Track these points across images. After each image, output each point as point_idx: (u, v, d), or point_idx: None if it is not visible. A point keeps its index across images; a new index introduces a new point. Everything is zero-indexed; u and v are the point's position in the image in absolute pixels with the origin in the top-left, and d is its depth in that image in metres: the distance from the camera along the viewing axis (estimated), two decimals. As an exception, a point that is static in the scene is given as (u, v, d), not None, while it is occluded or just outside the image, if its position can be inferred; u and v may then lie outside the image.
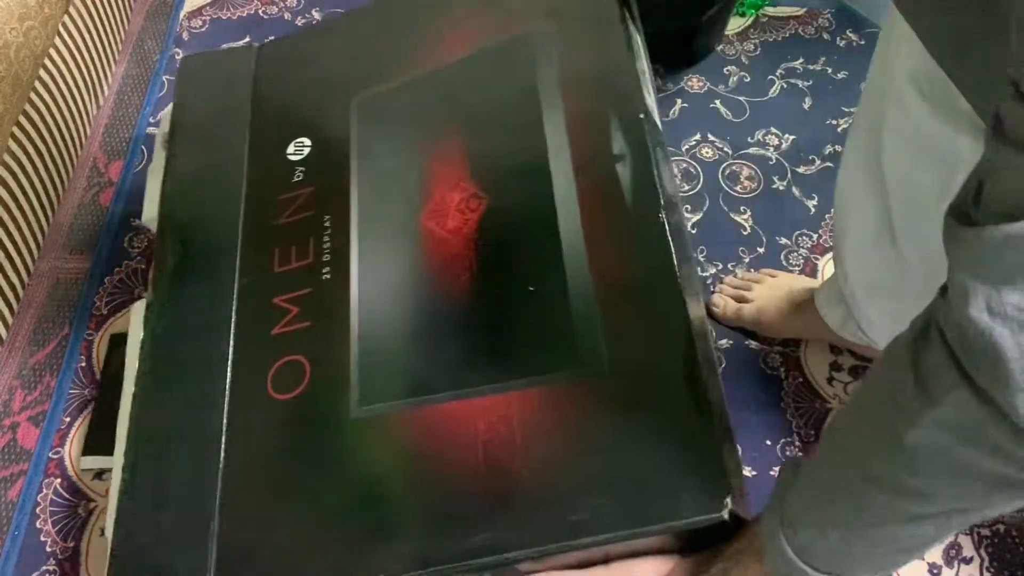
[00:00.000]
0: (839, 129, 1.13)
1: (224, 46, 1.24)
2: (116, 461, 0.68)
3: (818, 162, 1.10)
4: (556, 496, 0.55)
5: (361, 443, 0.62)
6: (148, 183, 0.89)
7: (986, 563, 0.81)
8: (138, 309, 0.81)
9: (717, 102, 1.16)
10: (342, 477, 0.61)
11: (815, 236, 1.03)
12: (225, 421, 0.65)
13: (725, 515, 0.52)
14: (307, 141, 0.78)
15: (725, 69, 1.20)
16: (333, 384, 0.64)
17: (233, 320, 0.70)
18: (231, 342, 0.69)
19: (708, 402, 0.56)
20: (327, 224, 0.72)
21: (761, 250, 1.02)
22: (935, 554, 0.81)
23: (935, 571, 0.81)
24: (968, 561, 0.81)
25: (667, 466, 0.55)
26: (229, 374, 0.67)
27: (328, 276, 0.69)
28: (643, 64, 0.73)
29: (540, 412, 0.59)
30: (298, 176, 0.76)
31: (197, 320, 0.71)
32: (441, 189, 0.71)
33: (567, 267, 0.63)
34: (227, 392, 0.66)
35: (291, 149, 0.78)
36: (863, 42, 1.22)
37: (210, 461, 0.63)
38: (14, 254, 0.94)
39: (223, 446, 0.64)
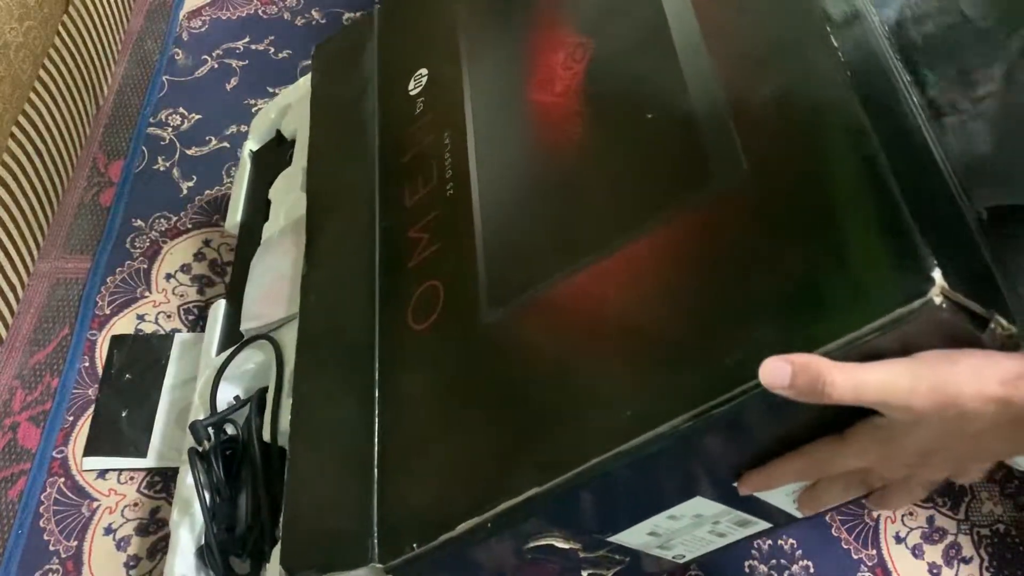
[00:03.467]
0: None
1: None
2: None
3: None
4: (712, 342, 0.47)
5: (499, 349, 0.58)
6: (233, 191, 0.91)
7: (986, 563, 0.81)
8: (215, 307, 0.85)
9: None
10: (487, 391, 0.57)
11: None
12: (377, 367, 0.63)
13: (936, 297, 0.41)
14: (424, 71, 0.77)
15: None
16: (463, 297, 0.61)
17: (377, 268, 0.68)
18: (376, 290, 0.67)
19: (883, 179, 0.45)
20: (447, 141, 0.70)
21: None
22: (935, 554, 0.82)
23: (935, 571, 0.81)
24: (968, 561, 0.82)
25: (839, 266, 0.45)
26: (377, 322, 0.65)
27: (452, 191, 0.67)
28: None
29: (680, 248, 0.52)
30: (419, 107, 0.75)
31: (348, 282, 0.70)
32: (544, 56, 0.67)
33: (687, 79, 0.55)
34: (376, 342, 0.64)
35: (411, 84, 0.77)
36: None
37: (366, 410, 0.61)
38: (14, 254, 0.94)
39: (376, 392, 0.62)
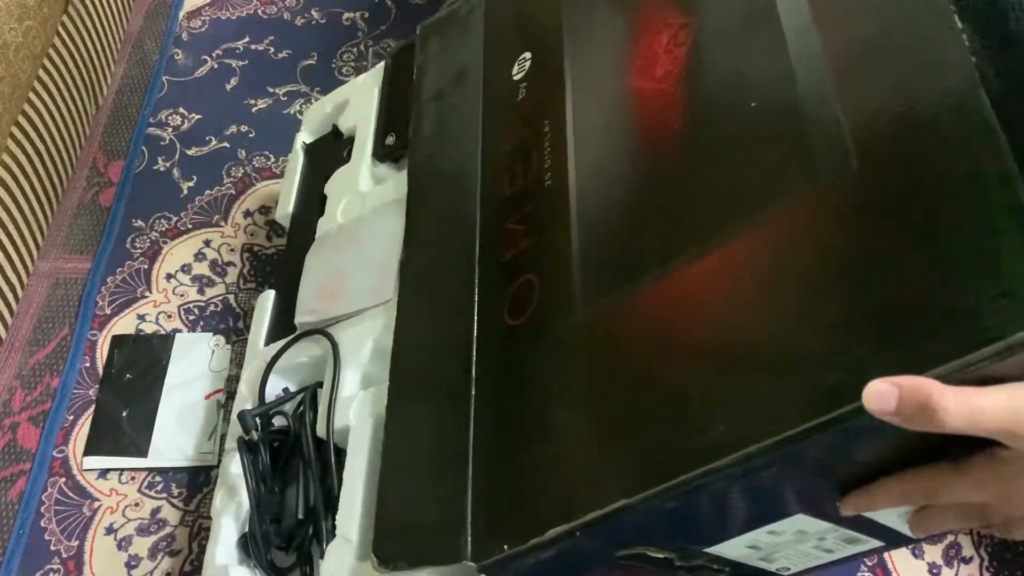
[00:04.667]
0: None
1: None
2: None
3: None
4: (812, 357, 0.44)
5: (592, 349, 0.55)
6: (284, 182, 0.91)
7: (986, 563, 0.82)
8: (263, 297, 0.84)
9: None
10: (580, 392, 0.54)
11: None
12: (474, 361, 0.61)
13: None
14: (527, 55, 0.75)
15: None
16: (557, 293, 0.58)
17: (476, 261, 0.67)
18: (475, 285, 0.66)
19: (1012, 186, 0.40)
20: (547, 129, 0.67)
21: None
22: (935, 554, 0.82)
23: (935, 571, 0.81)
24: (968, 561, 0.82)
25: (956, 280, 0.40)
26: (476, 317, 0.64)
27: (549, 182, 0.64)
28: None
29: (781, 251, 0.48)
30: (521, 93, 0.73)
31: (446, 271, 0.69)
32: (647, 39, 0.63)
33: (795, 65, 0.51)
34: (474, 335, 0.63)
35: (515, 69, 0.75)
36: None
37: (462, 404, 0.60)
38: (13, 254, 0.94)
39: (472, 387, 0.60)
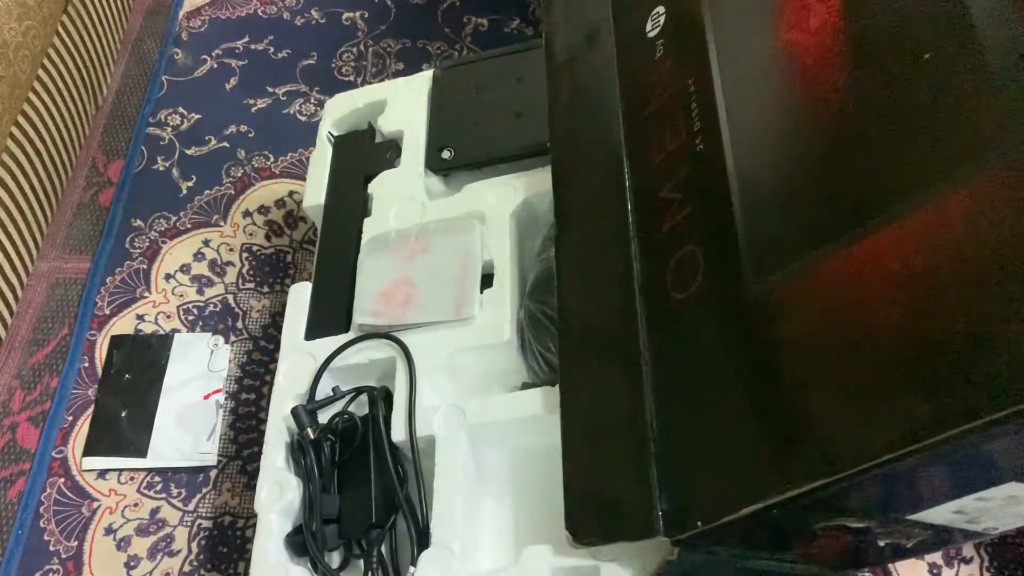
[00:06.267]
0: None
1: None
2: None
3: None
4: (1003, 335, 0.41)
5: (767, 325, 0.53)
6: (310, 173, 0.91)
7: (986, 563, 0.81)
8: (297, 290, 0.83)
9: None
10: (760, 368, 0.53)
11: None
12: (642, 337, 0.60)
13: None
14: (660, 8, 0.71)
15: None
16: (724, 265, 0.56)
17: (632, 231, 0.65)
18: (634, 255, 0.64)
19: None
20: (692, 89, 0.64)
21: None
22: (935, 554, 0.82)
23: (935, 571, 0.81)
24: (968, 561, 0.82)
25: None
26: (636, 288, 0.62)
27: (701, 146, 0.61)
28: None
29: (957, 223, 0.44)
30: (659, 52, 0.69)
31: (601, 244, 0.67)
32: None
33: (973, 9, 0.46)
34: (637, 307, 0.62)
35: (649, 26, 0.72)
36: None
37: (635, 382, 0.59)
38: (13, 254, 0.94)
39: (644, 365, 0.60)
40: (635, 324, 0.62)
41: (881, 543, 0.57)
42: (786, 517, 0.50)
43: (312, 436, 0.73)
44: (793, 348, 0.51)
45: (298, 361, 0.79)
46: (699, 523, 0.52)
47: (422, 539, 0.67)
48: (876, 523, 0.54)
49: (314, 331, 0.81)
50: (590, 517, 0.59)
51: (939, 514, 0.53)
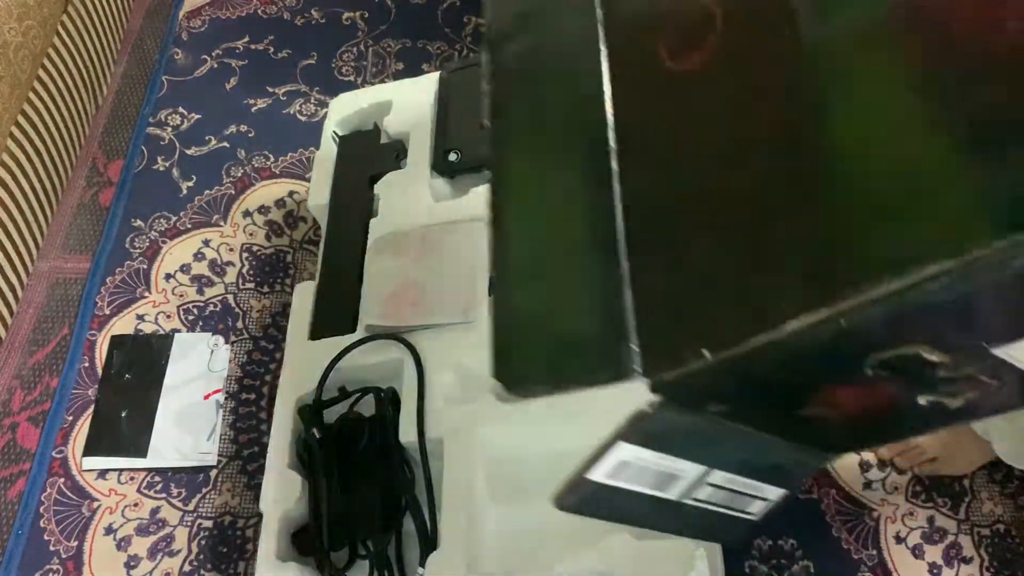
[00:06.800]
0: None
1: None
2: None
3: None
4: None
5: (813, 83, 0.38)
6: (315, 173, 0.91)
7: (986, 563, 0.81)
8: (304, 289, 0.83)
9: None
10: (794, 148, 0.38)
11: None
12: (611, 123, 0.45)
13: None
14: None
15: None
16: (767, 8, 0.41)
17: None
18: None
19: None
20: None
21: None
22: (935, 554, 0.82)
23: (935, 571, 0.81)
24: (968, 561, 0.82)
25: None
26: (604, 53, 0.47)
27: None
28: None
29: None
30: None
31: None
32: None
33: None
34: (603, 73, 0.46)
35: None
36: None
37: (602, 177, 0.44)
38: (13, 254, 0.94)
39: (614, 158, 0.44)
40: (600, 106, 0.46)
41: (922, 400, 0.42)
42: (843, 343, 0.36)
43: (318, 436, 0.73)
44: (819, 119, 0.37)
45: (304, 361, 0.79)
46: (705, 352, 0.36)
47: (429, 541, 0.67)
48: (951, 359, 0.39)
49: (319, 331, 0.81)
50: (531, 357, 0.43)
51: None
